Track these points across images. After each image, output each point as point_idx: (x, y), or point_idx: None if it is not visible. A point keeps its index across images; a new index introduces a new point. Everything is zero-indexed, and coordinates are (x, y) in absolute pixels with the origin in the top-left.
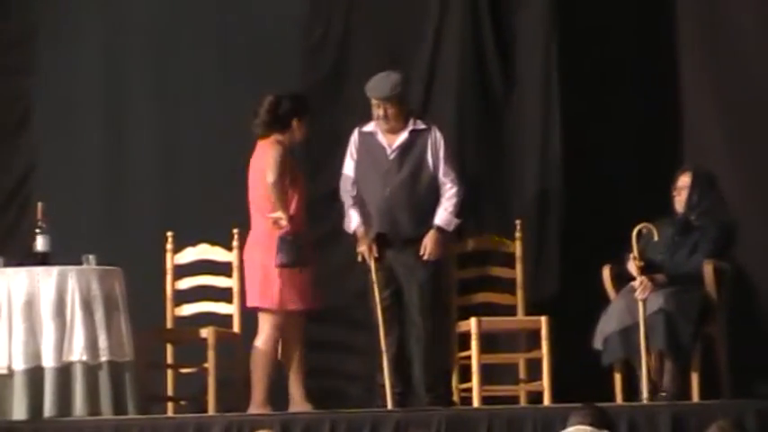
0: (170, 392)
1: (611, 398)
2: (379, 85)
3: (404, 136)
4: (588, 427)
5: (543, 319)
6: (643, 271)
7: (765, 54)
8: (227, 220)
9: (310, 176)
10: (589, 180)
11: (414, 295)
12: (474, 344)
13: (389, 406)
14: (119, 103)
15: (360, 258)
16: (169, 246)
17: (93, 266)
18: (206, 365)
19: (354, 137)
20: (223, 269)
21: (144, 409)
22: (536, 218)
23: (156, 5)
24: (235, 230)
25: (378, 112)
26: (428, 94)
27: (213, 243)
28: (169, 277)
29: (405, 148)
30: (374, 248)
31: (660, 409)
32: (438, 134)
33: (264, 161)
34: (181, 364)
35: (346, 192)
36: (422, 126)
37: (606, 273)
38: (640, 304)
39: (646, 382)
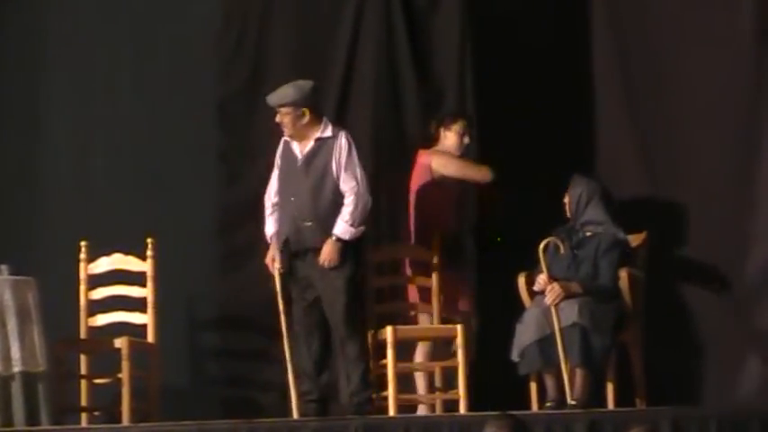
0: (84, 403)
1: (527, 406)
2: (273, 93)
3: (311, 144)
4: None
5: (459, 327)
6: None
7: (678, 56)
8: (141, 230)
9: (226, 184)
10: (505, 186)
11: (328, 303)
12: (390, 352)
13: (295, 415)
14: (32, 111)
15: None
16: (83, 255)
17: (5, 276)
18: (120, 376)
19: (281, 145)
20: (137, 279)
21: (58, 420)
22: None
23: (74, 13)
24: (149, 240)
25: (276, 119)
26: (344, 100)
27: (127, 253)
28: (83, 287)
29: (311, 157)
30: (278, 258)
31: (576, 417)
32: (343, 141)
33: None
34: (95, 375)
35: (268, 199)
36: (329, 133)
37: (521, 281)
38: (554, 313)
39: (569, 389)
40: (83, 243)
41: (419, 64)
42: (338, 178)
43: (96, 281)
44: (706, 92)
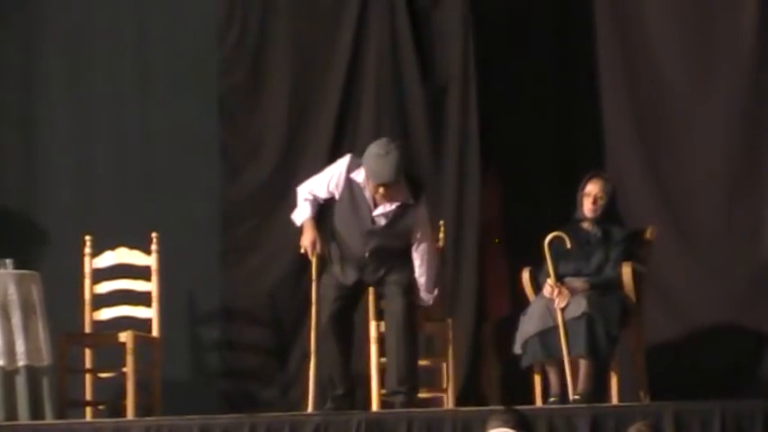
0: (88, 397)
1: (531, 400)
2: (382, 170)
3: (392, 207)
4: (508, 430)
5: (448, 322)
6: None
7: (677, 57)
8: (143, 224)
9: (228, 180)
10: (507, 182)
11: (394, 288)
12: (373, 347)
13: (310, 408)
14: (34, 105)
15: (303, 251)
16: (87, 249)
17: (10, 270)
18: (125, 370)
19: (342, 174)
20: (142, 273)
21: (62, 414)
22: (454, 220)
23: (73, 7)
24: (153, 234)
25: (379, 191)
26: (347, 96)
27: (132, 246)
28: (87, 281)
29: (393, 220)
30: (318, 244)
31: (579, 412)
32: (423, 210)
33: None
34: (99, 369)
35: (307, 191)
36: (410, 201)
37: (525, 276)
38: (559, 311)
39: (571, 383)
40: (87, 237)
41: (423, 61)
42: (415, 244)
43: (101, 275)
44: (709, 89)
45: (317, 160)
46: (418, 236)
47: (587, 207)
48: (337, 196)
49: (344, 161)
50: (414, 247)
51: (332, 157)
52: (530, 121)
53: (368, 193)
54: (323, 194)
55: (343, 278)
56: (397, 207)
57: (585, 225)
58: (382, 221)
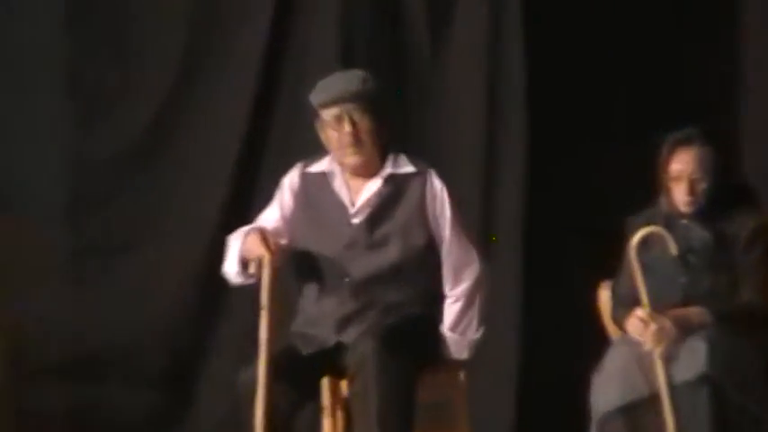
0: None
1: None
2: (338, 82)
3: (375, 185)
4: None
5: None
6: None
7: None
8: None
9: (81, 134)
10: (558, 164)
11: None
12: None
13: None
14: None
15: (253, 270)
16: None
17: None
18: None
19: (295, 177)
20: None
21: None
22: (482, 201)
23: None
24: None
25: (342, 127)
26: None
27: None
28: None
29: (379, 208)
30: (274, 241)
31: None
32: (437, 183)
33: None
34: None
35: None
36: (408, 168)
37: (603, 296)
38: (659, 363)
39: None
40: None
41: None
42: (434, 243)
43: None
44: None
45: (239, 102)
46: (447, 227)
47: (680, 197)
48: (291, 210)
49: (293, 169)
50: (443, 254)
51: (265, 93)
52: (599, 53)
53: (339, 182)
54: (270, 223)
55: (311, 343)
56: (384, 181)
57: (684, 222)
58: (366, 214)
